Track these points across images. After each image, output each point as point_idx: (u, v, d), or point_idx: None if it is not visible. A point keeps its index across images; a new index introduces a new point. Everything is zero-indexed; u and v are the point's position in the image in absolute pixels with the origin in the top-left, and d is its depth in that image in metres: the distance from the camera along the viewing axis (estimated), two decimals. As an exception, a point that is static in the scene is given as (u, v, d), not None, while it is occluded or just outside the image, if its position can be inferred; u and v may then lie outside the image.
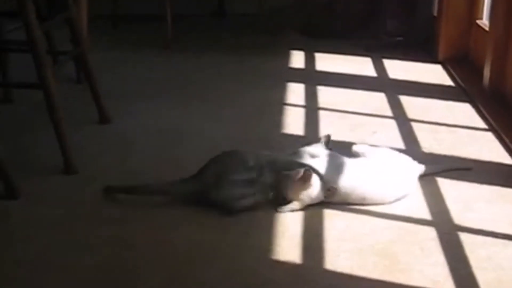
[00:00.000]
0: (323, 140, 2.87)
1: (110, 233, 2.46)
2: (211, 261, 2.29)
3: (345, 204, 2.62)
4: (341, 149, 2.86)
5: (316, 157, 2.73)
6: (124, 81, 4.28)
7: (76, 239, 2.44)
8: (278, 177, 2.61)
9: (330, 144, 2.86)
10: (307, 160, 2.70)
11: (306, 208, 2.60)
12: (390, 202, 2.64)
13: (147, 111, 3.72)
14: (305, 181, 2.57)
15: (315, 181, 2.60)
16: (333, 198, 2.62)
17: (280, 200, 2.61)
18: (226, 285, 2.16)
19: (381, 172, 2.69)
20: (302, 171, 2.56)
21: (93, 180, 2.88)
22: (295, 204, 2.59)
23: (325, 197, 2.62)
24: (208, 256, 2.32)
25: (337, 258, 2.28)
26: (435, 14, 4.91)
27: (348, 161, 2.73)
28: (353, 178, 2.64)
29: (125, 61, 4.71)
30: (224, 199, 2.56)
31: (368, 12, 5.35)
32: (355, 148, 2.89)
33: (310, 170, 2.59)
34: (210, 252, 2.34)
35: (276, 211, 2.58)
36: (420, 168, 2.83)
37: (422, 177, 2.81)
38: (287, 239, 2.41)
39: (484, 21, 4.37)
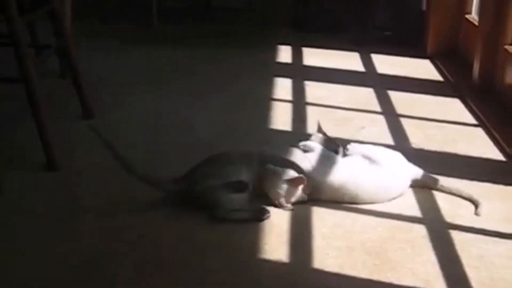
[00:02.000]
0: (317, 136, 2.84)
1: (95, 228, 2.41)
2: (196, 259, 2.23)
3: (335, 202, 2.57)
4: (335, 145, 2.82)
5: (310, 151, 2.68)
6: (110, 74, 4.21)
7: (59, 234, 2.38)
8: (263, 171, 2.57)
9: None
10: (298, 158, 2.64)
11: (295, 204, 2.56)
12: (382, 202, 2.59)
13: (132, 105, 3.65)
14: (296, 185, 2.53)
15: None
16: (321, 196, 2.57)
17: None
18: (211, 284, 2.11)
19: (374, 171, 2.63)
20: (296, 176, 2.53)
21: (77, 176, 2.82)
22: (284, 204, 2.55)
23: (309, 194, 2.56)
24: (193, 254, 2.26)
25: (326, 257, 2.24)
26: (424, 8, 4.87)
27: (340, 160, 2.67)
28: (344, 176, 2.58)
29: (112, 55, 4.64)
30: (215, 207, 2.48)
31: (357, 6, 5.30)
32: (350, 146, 2.82)
33: (303, 177, 2.54)
34: (195, 249, 2.29)
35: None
36: (417, 172, 2.73)
37: (419, 186, 2.72)
38: (275, 236, 2.36)
39: (473, 16, 4.34)
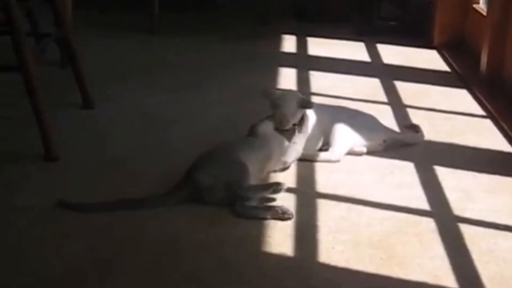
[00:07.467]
0: None
1: (92, 223, 2.34)
2: (199, 253, 2.17)
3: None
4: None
5: None
6: (110, 66, 4.13)
7: (56, 228, 2.31)
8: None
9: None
10: None
11: (299, 197, 2.51)
12: None
13: (132, 96, 3.58)
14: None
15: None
16: None
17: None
18: (214, 279, 2.05)
19: None
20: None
21: (75, 166, 2.76)
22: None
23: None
24: (196, 248, 2.20)
25: (332, 251, 2.17)
26: (430, -2, 4.80)
27: None
28: None
29: (112, 45, 4.57)
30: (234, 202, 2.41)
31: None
32: None
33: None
34: (198, 244, 2.22)
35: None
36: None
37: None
38: (279, 230, 2.29)
39: (481, 5, 4.26)
